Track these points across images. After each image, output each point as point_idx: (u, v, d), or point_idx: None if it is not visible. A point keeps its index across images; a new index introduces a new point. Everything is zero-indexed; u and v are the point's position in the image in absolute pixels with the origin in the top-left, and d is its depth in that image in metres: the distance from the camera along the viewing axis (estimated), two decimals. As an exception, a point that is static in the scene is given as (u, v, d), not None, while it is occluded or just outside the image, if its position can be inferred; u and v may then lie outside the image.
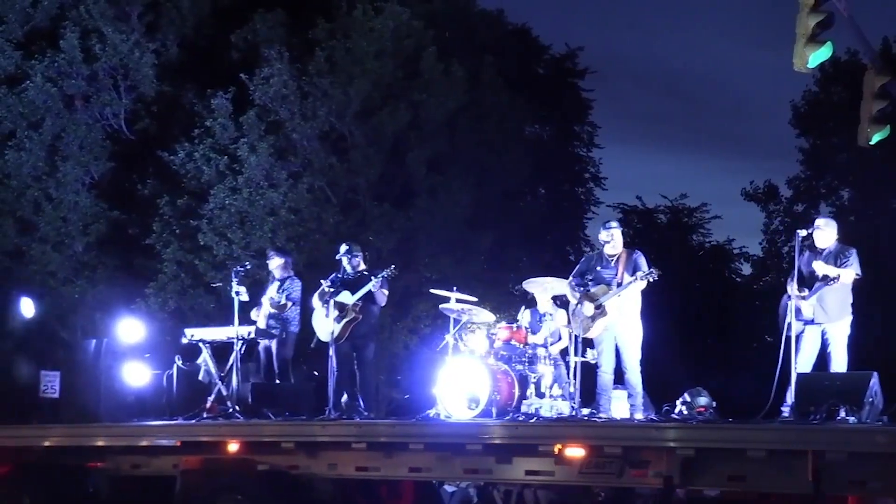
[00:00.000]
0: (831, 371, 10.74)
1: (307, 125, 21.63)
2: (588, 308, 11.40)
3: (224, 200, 21.11)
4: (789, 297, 10.86)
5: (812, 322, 10.90)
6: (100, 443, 12.40)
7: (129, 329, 13.91)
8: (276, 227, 21.22)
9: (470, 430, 10.59)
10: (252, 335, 12.74)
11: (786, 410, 10.43)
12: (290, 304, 13.13)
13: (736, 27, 68.75)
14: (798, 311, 10.83)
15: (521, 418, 11.00)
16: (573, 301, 11.71)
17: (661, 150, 65.05)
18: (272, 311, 13.10)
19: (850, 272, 10.94)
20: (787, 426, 9.54)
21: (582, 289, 11.53)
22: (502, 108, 24.28)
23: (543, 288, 12.86)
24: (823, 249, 11.17)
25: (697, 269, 34.96)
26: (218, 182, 21.26)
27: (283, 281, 13.32)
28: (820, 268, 10.95)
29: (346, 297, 12.44)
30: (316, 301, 12.66)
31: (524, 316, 13.06)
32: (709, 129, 65.93)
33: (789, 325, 10.70)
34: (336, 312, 12.36)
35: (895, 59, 29.38)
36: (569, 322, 12.25)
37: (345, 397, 12.47)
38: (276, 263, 13.56)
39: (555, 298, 12.97)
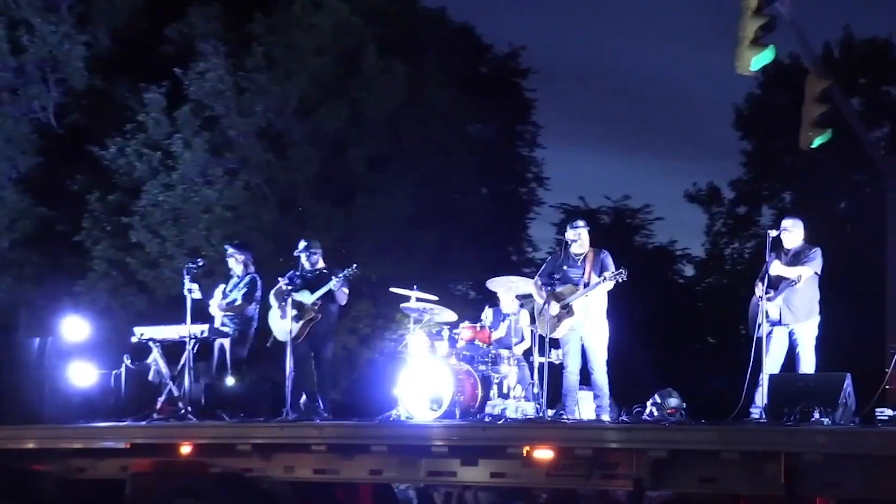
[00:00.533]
0: (799, 372, 10.71)
1: (244, 121, 21.28)
2: (554, 308, 11.31)
3: (157, 197, 20.73)
4: (760, 298, 10.83)
5: (779, 323, 10.90)
6: (44, 445, 12.03)
7: (74, 327, 13.48)
8: (211, 224, 20.89)
9: (435, 432, 10.43)
10: (206, 334, 12.41)
11: (755, 412, 10.48)
12: (246, 303, 12.85)
13: (680, 29, 68.88)
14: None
15: (487, 419, 11.01)
16: (539, 301, 11.58)
17: (605, 150, 65.03)
18: (223, 306, 12.83)
19: (807, 269, 10.90)
20: (761, 427, 9.51)
21: (549, 288, 11.40)
22: (444, 106, 24.03)
23: (508, 287, 12.73)
24: (790, 250, 11.16)
25: (643, 271, 35.04)
26: (151, 178, 20.85)
27: (241, 278, 13.03)
28: (775, 269, 10.95)
29: (305, 296, 12.21)
30: (273, 299, 12.43)
31: (487, 315, 12.91)
32: (652, 131, 66.00)
33: (759, 325, 10.71)
34: (294, 311, 12.09)
35: (837, 63, 29.49)
36: (533, 322, 12.18)
37: (303, 398, 12.27)
38: (235, 260, 13.23)
39: (518, 298, 12.84)
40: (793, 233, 11.21)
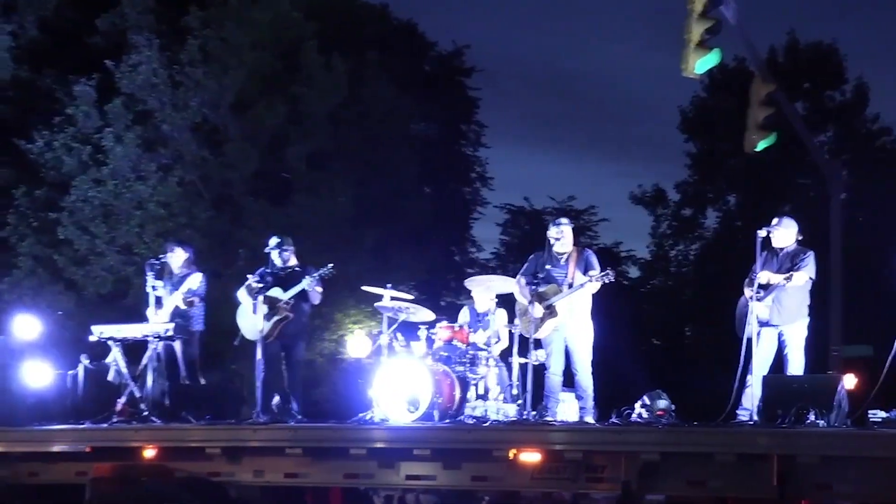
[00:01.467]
0: (788, 373, 10.58)
1: (178, 116, 20.88)
2: (538, 308, 10.99)
3: (87, 192, 20.30)
4: (750, 298, 10.62)
5: (768, 324, 10.69)
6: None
7: (25, 326, 13.00)
8: (143, 221, 20.50)
9: (418, 434, 10.14)
10: (170, 332, 11.94)
11: (743, 414, 10.37)
12: (196, 299, 12.41)
13: (626, 30, 69.07)
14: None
15: (470, 421, 10.69)
16: (523, 301, 11.26)
17: (550, 151, 65.09)
18: (181, 308, 12.34)
19: (801, 275, 10.69)
20: (756, 429, 9.31)
21: (532, 288, 11.05)
22: (386, 104, 23.79)
23: (487, 287, 12.36)
24: (781, 249, 10.94)
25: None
26: (80, 173, 20.42)
27: (184, 277, 12.51)
28: (763, 277, 10.69)
29: (278, 294, 11.80)
30: (243, 296, 11.99)
31: (463, 315, 12.60)
32: (598, 132, 66.02)
33: (747, 326, 10.53)
34: (265, 309, 11.66)
35: (781, 68, 29.56)
36: (510, 322, 11.93)
37: (276, 399, 11.90)
38: (180, 257, 12.68)
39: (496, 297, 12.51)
40: (783, 232, 10.97)
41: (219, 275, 21.31)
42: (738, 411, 10.55)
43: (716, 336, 30.44)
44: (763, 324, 10.66)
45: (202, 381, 12.70)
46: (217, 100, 21.19)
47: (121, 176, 20.42)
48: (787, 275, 10.61)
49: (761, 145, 15.12)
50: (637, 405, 11.09)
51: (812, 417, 9.13)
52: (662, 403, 11.13)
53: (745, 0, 14.46)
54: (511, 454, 9.44)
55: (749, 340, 10.57)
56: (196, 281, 12.48)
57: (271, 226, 21.03)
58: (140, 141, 20.63)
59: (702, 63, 14.05)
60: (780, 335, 10.76)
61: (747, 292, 10.70)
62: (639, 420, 10.72)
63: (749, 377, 10.50)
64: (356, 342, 22.25)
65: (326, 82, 22.04)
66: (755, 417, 9.83)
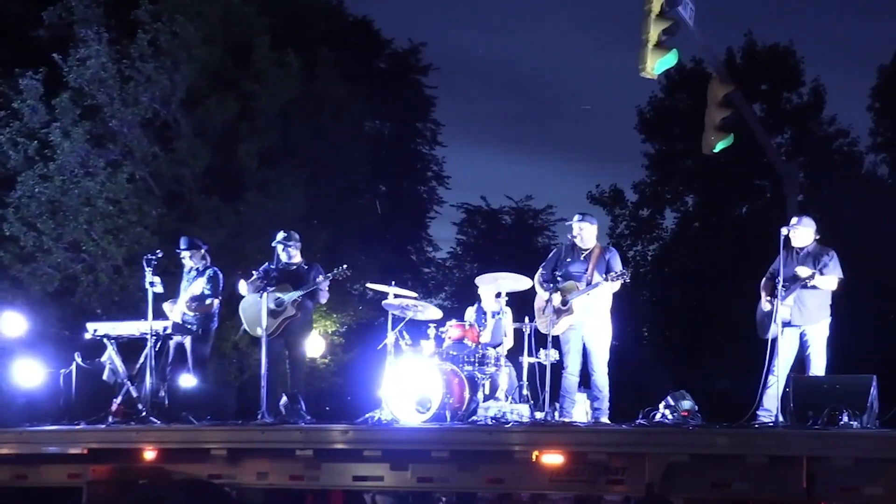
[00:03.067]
0: (809, 374, 10.53)
1: (128, 111, 20.43)
2: (555, 304, 10.83)
3: (33, 188, 19.84)
4: (769, 299, 10.62)
5: (790, 324, 10.64)
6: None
7: (10, 323, 12.83)
8: (92, 218, 20.11)
9: (436, 436, 9.93)
10: (169, 330, 11.75)
11: (764, 415, 10.39)
12: (213, 298, 12.22)
13: (585, 30, 69.32)
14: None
15: (489, 422, 10.58)
16: (542, 296, 11.06)
17: (507, 150, 65.17)
18: (192, 306, 12.15)
19: (832, 279, 10.65)
20: (788, 431, 9.24)
21: (551, 284, 10.88)
22: (340, 101, 23.59)
23: (497, 284, 12.21)
24: (801, 248, 10.87)
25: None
26: (26, 168, 19.95)
27: (202, 272, 12.33)
28: (803, 272, 10.59)
29: (286, 292, 11.62)
30: (245, 289, 11.79)
31: (469, 314, 12.51)
32: (556, 131, 66.24)
33: (769, 327, 10.52)
34: (272, 306, 11.46)
35: (739, 69, 29.61)
36: (520, 321, 11.87)
37: (283, 399, 11.57)
38: (192, 253, 12.53)
39: (497, 296, 12.36)
40: (801, 231, 10.91)
41: (171, 273, 21.07)
42: (759, 412, 10.55)
43: (678, 336, 30.58)
44: (785, 324, 10.62)
45: (210, 381, 12.66)
46: (168, 95, 20.81)
47: (68, 172, 20.01)
48: (813, 271, 10.57)
49: (719, 146, 15.17)
50: (661, 406, 10.95)
51: (845, 419, 9.10)
52: (687, 404, 10.99)
53: (702, 1, 14.43)
54: (534, 456, 9.23)
55: (773, 341, 10.59)
56: (217, 278, 12.30)
57: (222, 224, 21.05)
58: (88, 136, 20.21)
59: (659, 64, 14.05)
60: (802, 335, 10.71)
61: (765, 295, 10.73)
62: (666, 421, 10.58)
63: (771, 377, 10.55)
64: (310, 342, 22.22)
65: (279, 78, 21.78)
66: (780, 418, 9.82)
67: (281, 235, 12.15)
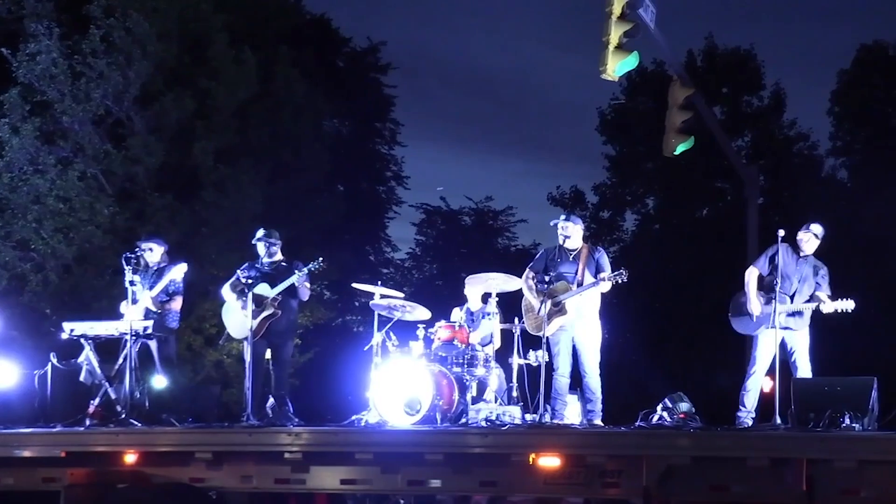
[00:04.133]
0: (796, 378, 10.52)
1: (79, 108, 20.10)
2: (546, 305, 10.67)
3: (-20, 186, 19.47)
4: (765, 299, 10.64)
5: (774, 326, 10.59)
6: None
7: None
8: (41, 216, 19.80)
9: (431, 439, 9.77)
10: (149, 330, 11.44)
11: (743, 415, 10.64)
12: (179, 298, 12.00)
13: (546, 30, 69.28)
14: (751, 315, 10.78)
15: (483, 424, 10.50)
16: (532, 298, 10.96)
17: (467, 150, 65.10)
18: (154, 307, 11.85)
19: (850, 303, 10.62)
20: (790, 433, 9.27)
21: (542, 285, 10.72)
22: (298, 100, 23.33)
23: (487, 285, 12.07)
24: (807, 256, 10.84)
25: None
26: (-27, 165, 19.56)
27: (161, 270, 12.03)
28: (828, 307, 10.61)
29: (265, 290, 11.38)
30: (228, 292, 11.63)
31: (455, 314, 12.39)
32: (516, 132, 66.23)
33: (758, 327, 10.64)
34: (252, 306, 11.22)
35: (699, 72, 29.63)
36: (509, 321, 11.80)
37: (270, 401, 11.50)
38: (157, 253, 12.20)
39: (486, 297, 12.25)
40: (814, 242, 10.93)
41: (122, 272, 20.74)
42: (738, 413, 10.73)
43: (638, 338, 30.49)
44: (770, 325, 10.60)
45: (185, 383, 12.52)
46: (121, 92, 20.50)
47: (17, 169, 19.67)
48: (819, 302, 10.62)
49: (679, 149, 15.22)
50: (658, 408, 10.83)
51: (847, 421, 9.10)
52: (684, 406, 10.87)
53: (663, 4, 14.40)
54: (531, 459, 9.10)
55: (754, 339, 10.73)
56: (180, 272, 12.00)
57: (177, 223, 20.80)
58: (38, 133, 19.86)
59: (620, 66, 14.04)
60: (784, 340, 10.66)
61: (757, 293, 10.72)
62: (665, 423, 10.45)
63: (750, 379, 10.73)
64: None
65: (236, 76, 21.54)
66: (777, 420, 9.83)
67: (261, 233, 11.98)
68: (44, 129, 20.02)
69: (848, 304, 10.57)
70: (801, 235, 10.75)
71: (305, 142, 23.79)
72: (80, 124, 20.30)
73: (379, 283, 12.18)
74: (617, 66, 14.02)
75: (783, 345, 10.66)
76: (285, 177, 23.26)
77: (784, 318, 10.59)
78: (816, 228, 10.90)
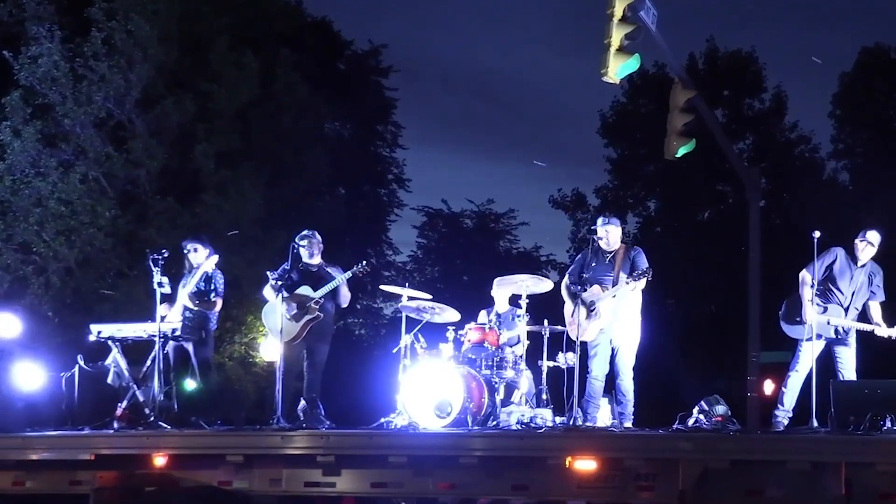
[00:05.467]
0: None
1: (81, 111, 20.15)
2: (581, 313, 10.58)
3: (-19, 188, 19.48)
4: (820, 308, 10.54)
5: (820, 336, 10.58)
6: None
7: (4, 324, 12.31)
8: (43, 219, 19.82)
9: (465, 442, 9.62)
10: (178, 332, 11.30)
11: (780, 415, 10.57)
12: (219, 300, 11.79)
13: (548, 33, 69.27)
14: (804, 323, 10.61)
15: (516, 427, 10.37)
16: (569, 302, 10.86)
17: (469, 153, 65.05)
18: (192, 307, 11.64)
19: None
20: (830, 437, 9.12)
21: (578, 288, 10.64)
22: (299, 103, 23.35)
23: (517, 286, 11.89)
24: (864, 264, 10.70)
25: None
26: (-26, 168, 19.58)
27: (205, 272, 11.84)
28: (883, 332, 10.51)
29: (308, 293, 11.22)
30: (270, 293, 11.35)
31: (482, 317, 12.25)
32: (518, 135, 66.10)
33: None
34: (294, 309, 11.12)
35: (701, 75, 29.63)
36: (537, 324, 11.67)
37: (302, 404, 11.33)
38: (203, 254, 11.96)
39: (515, 299, 12.05)
40: (871, 249, 10.76)
41: (124, 275, 20.76)
42: (776, 412, 10.65)
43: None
44: (819, 336, 10.54)
45: (215, 385, 12.20)
46: (122, 95, 20.55)
47: (19, 171, 19.70)
48: (874, 327, 10.53)
49: (681, 151, 15.08)
50: (695, 411, 10.66)
51: (888, 424, 8.98)
52: (721, 409, 10.63)
53: (664, 6, 14.34)
54: (567, 462, 8.99)
55: (798, 342, 10.63)
56: (211, 263, 11.83)
57: (178, 226, 20.80)
58: (40, 136, 19.88)
59: (622, 68, 13.92)
60: (834, 351, 10.60)
61: (814, 302, 10.55)
62: (704, 426, 10.28)
63: (793, 378, 10.63)
64: (268, 345, 21.91)
65: (237, 79, 21.59)
66: (814, 423, 9.77)
67: (305, 233, 11.77)
68: (45, 131, 20.04)
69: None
70: (858, 244, 10.58)
71: (306, 145, 23.79)
72: (82, 127, 20.34)
73: (406, 284, 12.05)
74: (618, 68, 13.91)
75: (833, 354, 10.59)
76: (286, 180, 23.27)
77: (834, 331, 10.51)
78: (873, 236, 10.72)
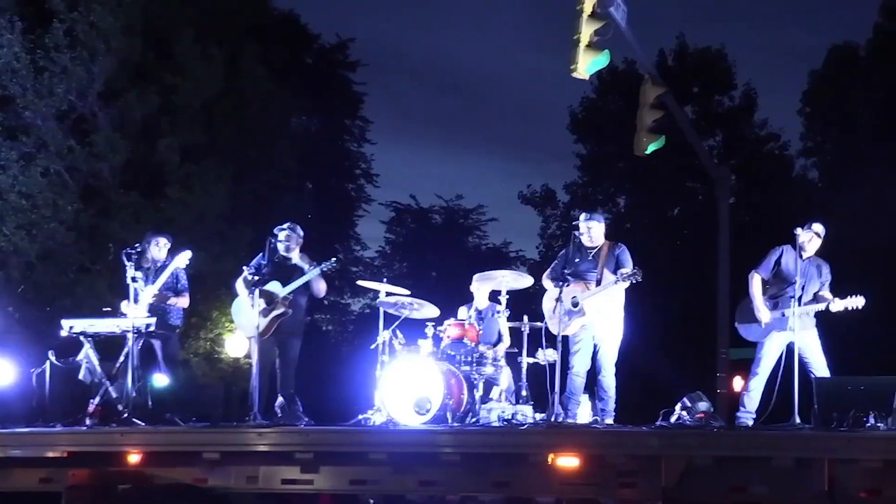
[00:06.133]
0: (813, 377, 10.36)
1: (42, 103, 19.84)
2: (562, 306, 10.43)
3: (-60, 180, 19.18)
4: (776, 309, 10.50)
5: (783, 329, 10.55)
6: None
7: None
8: (3, 212, 19.49)
9: (446, 439, 9.41)
10: (152, 328, 11.08)
11: (743, 416, 10.54)
12: (187, 295, 11.81)
13: (517, 28, 69.22)
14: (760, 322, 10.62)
15: (493, 423, 10.36)
16: (550, 297, 10.71)
17: (438, 148, 64.93)
18: (161, 303, 11.59)
19: (860, 299, 10.42)
20: (815, 433, 9.10)
21: (560, 284, 10.45)
22: (265, 96, 23.18)
23: (497, 282, 11.79)
24: (809, 257, 10.63)
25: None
26: (-67, 160, 19.27)
27: (166, 266, 11.73)
28: (837, 306, 10.42)
29: (276, 288, 11.04)
30: (241, 287, 11.22)
31: (462, 313, 12.12)
32: (487, 130, 66.08)
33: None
34: (262, 304, 10.91)
35: (671, 71, 29.59)
36: (512, 320, 11.64)
37: (280, 400, 11.18)
38: (165, 248, 11.92)
39: (494, 294, 11.98)
40: (817, 242, 10.71)
41: (86, 270, 20.50)
42: (739, 413, 10.62)
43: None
44: (780, 329, 10.49)
45: (184, 381, 12.10)
46: (85, 87, 20.28)
47: (-22, 164, 19.36)
48: (827, 302, 10.45)
49: (650, 148, 15.13)
50: (677, 407, 10.54)
51: (872, 421, 8.94)
52: (703, 405, 10.55)
53: (634, 3, 14.29)
54: (550, 459, 8.85)
55: (761, 344, 10.60)
56: (183, 259, 11.72)
57: (142, 220, 20.53)
58: (0, 128, 19.61)
59: (591, 64, 13.91)
60: (791, 343, 10.45)
61: (763, 298, 10.56)
62: (686, 423, 10.20)
63: (754, 380, 10.58)
64: (234, 341, 21.72)
65: (202, 72, 21.37)
66: (797, 420, 9.78)
67: (282, 227, 11.52)
68: (6, 123, 19.73)
69: (858, 301, 10.37)
70: (803, 234, 10.48)
71: (273, 139, 23.67)
72: (44, 119, 20.03)
73: (385, 279, 11.93)
74: (588, 64, 13.88)
75: (791, 346, 10.45)
76: (252, 174, 23.14)
77: (790, 321, 10.41)
78: (818, 227, 10.66)
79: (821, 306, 10.52)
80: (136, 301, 11.37)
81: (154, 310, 11.52)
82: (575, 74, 13.94)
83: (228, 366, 22.47)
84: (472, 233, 37.74)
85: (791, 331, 10.37)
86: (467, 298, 12.38)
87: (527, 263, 36.11)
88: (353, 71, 32.53)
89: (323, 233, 30.31)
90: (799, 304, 10.44)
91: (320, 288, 11.45)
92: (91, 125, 20.82)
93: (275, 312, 11.09)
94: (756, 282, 10.70)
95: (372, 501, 11.15)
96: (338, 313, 34.95)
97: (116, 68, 20.43)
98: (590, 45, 13.81)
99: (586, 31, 13.73)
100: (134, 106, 20.69)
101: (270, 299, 11.08)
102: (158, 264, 11.88)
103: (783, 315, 10.44)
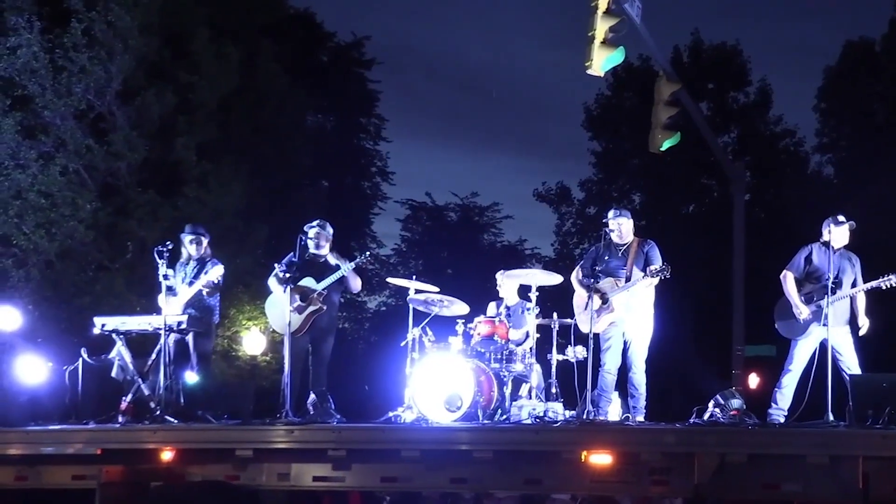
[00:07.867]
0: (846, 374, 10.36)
1: (61, 102, 19.81)
2: (595, 302, 10.53)
3: (-40, 180, 19.17)
4: (812, 302, 10.48)
5: (812, 324, 10.54)
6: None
7: (4, 317, 12.23)
8: (23, 211, 19.44)
9: (479, 436, 9.53)
10: (183, 325, 11.19)
11: (775, 413, 10.52)
12: (216, 290, 11.72)
13: (532, 25, 69.12)
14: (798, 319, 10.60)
15: (524, 421, 10.37)
16: (581, 294, 10.84)
17: (453, 146, 65.02)
18: (200, 296, 11.57)
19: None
20: (850, 431, 9.06)
21: (590, 280, 10.60)
22: (280, 94, 23.27)
23: (526, 278, 11.87)
24: (836, 249, 10.59)
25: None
26: (-48, 160, 19.27)
27: (202, 262, 11.72)
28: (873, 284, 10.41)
29: (311, 284, 11.11)
30: (274, 284, 11.25)
31: (491, 310, 12.17)
32: (502, 128, 66.09)
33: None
34: (297, 301, 10.98)
35: (686, 68, 29.57)
36: (540, 317, 11.61)
37: (312, 397, 11.21)
38: (206, 243, 11.91)
39: (524, 291, 12.03)
40: (846, 233, 10.72)
41: (105, 268, 20.60)
42: (770, 410, 10.61)
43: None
44: (812, 322, 10.51)
45: (218, 379, 12.28)
46: (103, 86, 20.26)
47: (-2, 163, 19.41)
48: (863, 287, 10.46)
49: (665, 145, 15.17)
50: (711, 404, 10.63)
51: None
52: (736, 403, 10.60)
53: (649, -1, 14.34)
54: (583, 456, 8.92)
55: (795, 341, 10.59)
56: (217, 273, 11.61)
57: (159, 219, 20.61)
58: (19, 127, 19.52)
59: (607, 61, 13.97)
60: (824, 340, 10.42)
61: (799, 296, 10.56)
62: (720, 420, 10.25)
63: (787, 377, 10.58)
64: (251, 339, 21.81)
65: (218, 70, 21.40)
66: (830, 417, 9.67)
67: (316, 223, 11.61)
68: (25, 123, 19.69)
69: (893, 280, 10.34)
70: (833, 228, 10.51)
71: (288, 137, 23.68)
72: (62, 119, 20.03)
73: (414, 277, 11.95)
74: (603, 61, 13.94)
75: (824, 344, 10.42)
76: (268, 172, 23.16)
77: (827, 313, 10.36)
78: (842, 218, 10.71)
79: (857, 290, 10.49)
80: (173, 295, 11.39)
81: (194, 305, 11.55)
82: (590, 71, 13.99)
83: (246, 363, 22.58)
84: (487, 230, 37.76)
85: (825, 326, 10.34)
86: (483, 296, 12.43)
87: (542, 261, 36.11)
88: (369, 69, 32.61)
89: (339, 230, 30.43)
90: (833, 293, 10.39)
91: (356, 284, 11.48)
92: (109, 124, 20.83)
93: (310, 309, 11.13)
94: (790, 279, 10.71)
95: (388, 498, 11.40)
96: (354, 311, 35.01)
97: (134, 67, 20.46)
98: (605, 42, 13.87)
99: (601, 27, 13.78)
100: (151, 105, 20.70)
101: (305, 295, 11.11)
102: (195, 259, 11.83)
103: (818, 307, 10.41)
